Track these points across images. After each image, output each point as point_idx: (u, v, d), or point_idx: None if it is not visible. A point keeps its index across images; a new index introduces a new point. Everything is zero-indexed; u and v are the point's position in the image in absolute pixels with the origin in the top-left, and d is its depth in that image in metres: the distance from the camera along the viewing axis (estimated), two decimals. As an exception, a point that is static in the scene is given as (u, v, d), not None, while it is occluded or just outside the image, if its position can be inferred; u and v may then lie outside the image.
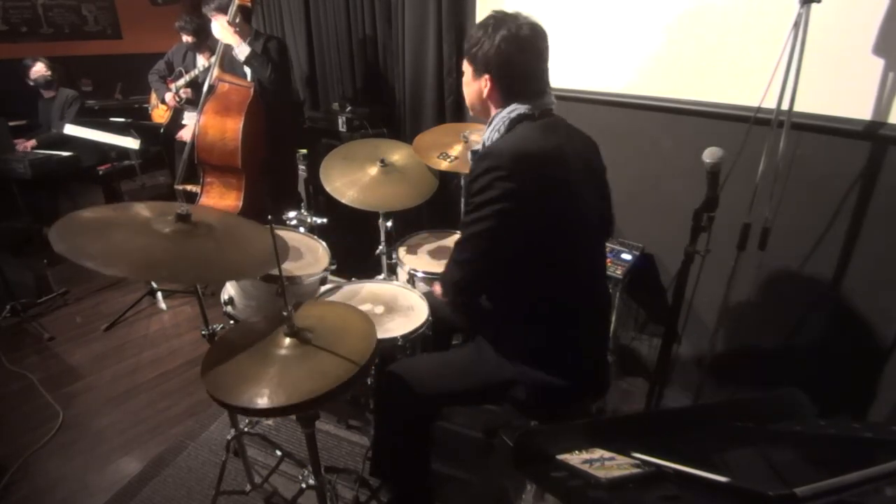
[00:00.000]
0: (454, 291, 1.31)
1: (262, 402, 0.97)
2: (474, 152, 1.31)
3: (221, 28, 2.50)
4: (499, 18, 1.19)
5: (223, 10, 2.52)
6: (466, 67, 1.27)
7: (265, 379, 1.02)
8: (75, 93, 3.68)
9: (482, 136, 1.29)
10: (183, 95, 3.27)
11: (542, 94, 1.24)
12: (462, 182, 2.54)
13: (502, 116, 1.22)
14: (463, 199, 1.42)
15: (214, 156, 2.57)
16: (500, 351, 1.31)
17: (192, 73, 3.24)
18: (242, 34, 2.56)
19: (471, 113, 1.36)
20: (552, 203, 1.18)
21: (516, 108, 1.21)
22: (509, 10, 1.22)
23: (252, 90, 2.57)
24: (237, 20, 2.52)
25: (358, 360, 1.07)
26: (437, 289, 1.48)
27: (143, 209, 1.28)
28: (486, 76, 1.22)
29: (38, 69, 3.49)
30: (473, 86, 1.27)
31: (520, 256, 1.20)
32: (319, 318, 1.22)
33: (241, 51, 2.53)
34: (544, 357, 1.26)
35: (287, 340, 1.11)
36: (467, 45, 1.24)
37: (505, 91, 1.23)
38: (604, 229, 1.42)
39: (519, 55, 1.18)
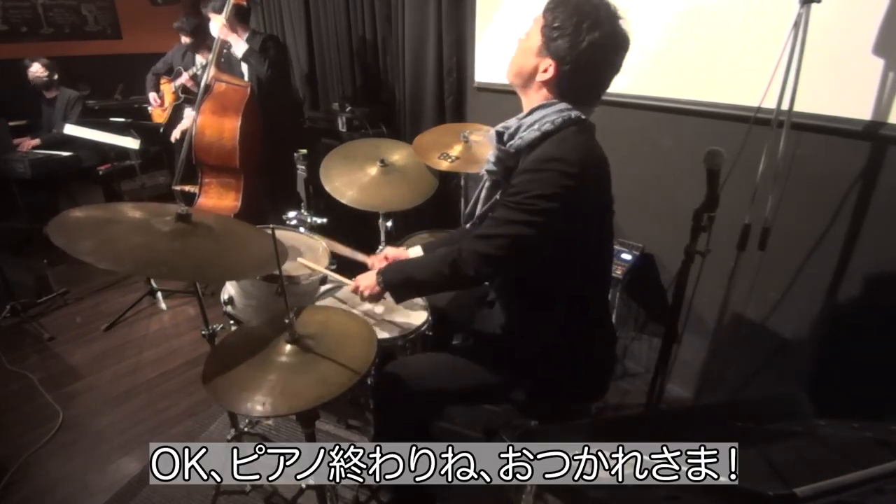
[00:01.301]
0: (481, 261, 1.17)
1: (266, 410, 0.99)
2: (499, 133, 1.23)
3: (218, 26, 2.52)
4: (594, 17, 1.07)
5: (219, 9, 2.53)
6: (535, 33, 1.14)
7: (267, 386, 1.03)
8: (77, 93, 3.67)
9: (517, 118, 1.21)
10: (191, 88, 3.29)
11: (596, 102, 1.20)
12: (464, 181, 2.54)
13: (558, 111, 1.14)
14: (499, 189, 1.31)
15: (212, 156, 2.57)
16: (501, 350, 1.31)
17: (192, 71, 3.24)
18: (238, 32, 2.57)
19: (507, 77, 1.23)
20: (602, 212, 1.21)
21: (573, 111, 1.14)
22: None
23: (249, 90, 2.57)
24: (233, 18, 2.53)
25: (359, 367, 1.08)
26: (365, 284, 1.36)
27: (134, 210, 1.27)
28: (554, 63, 1.12)
29: (35, 71, 3.48)
30: (532, 58, 1.15)
31: (556, 259, 1.19)
32: (320, 325, 1.23)
33: (239, 47, 2.54)
34: (547, 357, 1.26)
35: (288, 347, 1.11)
36: (550, 15, 1.11)
37: (567, 89, 1.15)
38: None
39: (598, 65, 1.12)
